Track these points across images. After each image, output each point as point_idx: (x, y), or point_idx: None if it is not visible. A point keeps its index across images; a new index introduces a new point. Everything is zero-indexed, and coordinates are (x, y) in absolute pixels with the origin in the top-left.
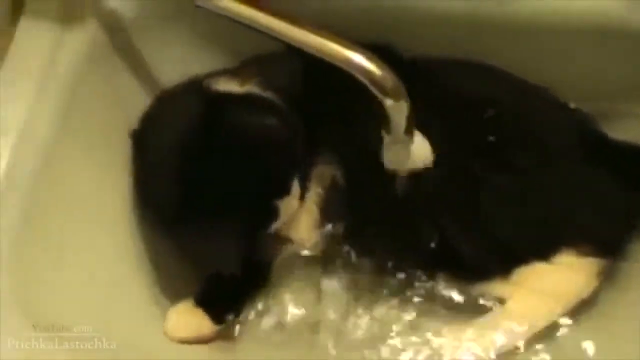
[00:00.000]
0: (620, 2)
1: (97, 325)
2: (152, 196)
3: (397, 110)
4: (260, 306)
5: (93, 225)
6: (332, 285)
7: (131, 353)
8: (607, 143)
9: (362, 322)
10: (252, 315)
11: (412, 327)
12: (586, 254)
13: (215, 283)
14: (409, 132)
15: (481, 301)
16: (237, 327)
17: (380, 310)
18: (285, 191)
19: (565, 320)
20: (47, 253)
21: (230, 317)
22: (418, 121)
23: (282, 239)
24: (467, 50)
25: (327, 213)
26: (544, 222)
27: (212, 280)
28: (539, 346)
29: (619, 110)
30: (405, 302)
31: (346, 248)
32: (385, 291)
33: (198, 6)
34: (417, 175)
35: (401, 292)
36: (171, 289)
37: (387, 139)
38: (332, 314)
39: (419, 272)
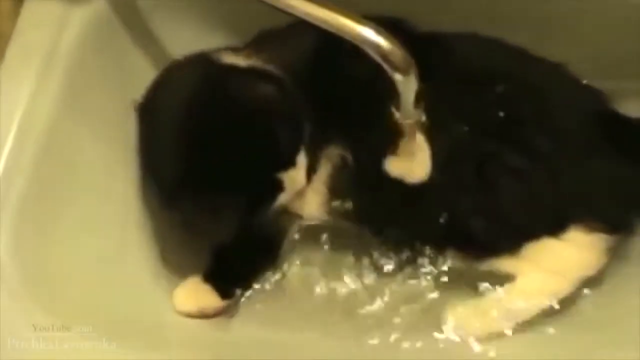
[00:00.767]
0: None
1: (100, 306)
2: (155, 166)
3: (406, 85)
4: (267, 284)
5: (99, 205)
6: (339, 260)
7: (131, 353)
8: (619, 120)
9: (369, 298)
10: (256, 290)
11: (419, 303)
12: (595, 230)
13: (223, 257)
14: (418, 107)
15: (490, 277)
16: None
17: (389, 286)
18: (289, 163)
19: (574, 296)
20: (52, 234)
21: (238, 292)
22: (429, 96)
23: (291, 215)
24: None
25: (336, 192)
26: (554, 198)
27: (220, 255)
28: (547, 321)
29: (631, 88)
30: (413, 277)
31: (354, 224)
32: (393, 267)
33: None
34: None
35: (409, 268)
36: (177, 268)
37: (396, 114)
38: (341, 290)
39: (427, 248)
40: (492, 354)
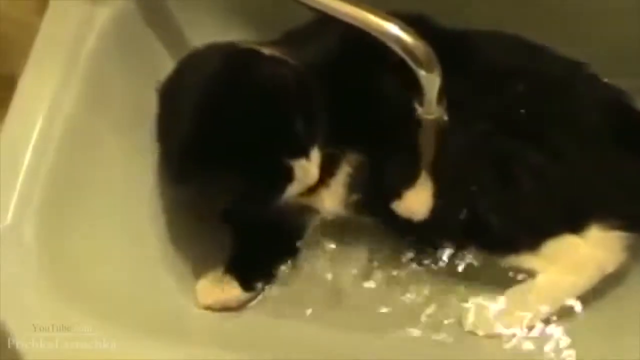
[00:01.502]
0: None
1: (121, 299)
2: (169, 141)
3: (430, 81)
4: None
5: (119, 199)
6: (355, 254)
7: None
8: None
9: (387, 294)
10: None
11: (438, 299)
12: (615, 228)
13: (244, 250)
14: (440, 104)
15: (510, 274)
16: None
17: (409, 282)
18: (301, 152)
19: (593, 292)
20: (74, 226)
21: (260, 284)
22: (451, 92)
23: (310, 210)
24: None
25: (354, 192)
26: (575, 196)
27: (241, 247)
28: (565, 318)
29: None
30: (431, 273)
31: (371, 220)
32: (412, 262)
33: None
34: (448, 148)
35: (428, 263)
36: (195, 261)
37: (420, 110)
38: (352, 284)
39: (447, 244)
40: (509, 351)
